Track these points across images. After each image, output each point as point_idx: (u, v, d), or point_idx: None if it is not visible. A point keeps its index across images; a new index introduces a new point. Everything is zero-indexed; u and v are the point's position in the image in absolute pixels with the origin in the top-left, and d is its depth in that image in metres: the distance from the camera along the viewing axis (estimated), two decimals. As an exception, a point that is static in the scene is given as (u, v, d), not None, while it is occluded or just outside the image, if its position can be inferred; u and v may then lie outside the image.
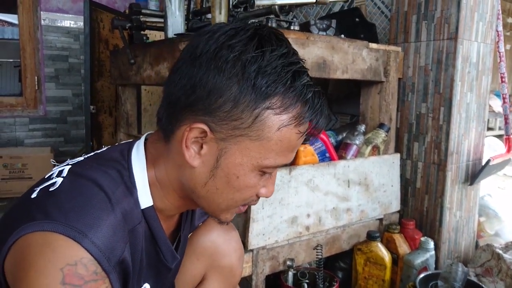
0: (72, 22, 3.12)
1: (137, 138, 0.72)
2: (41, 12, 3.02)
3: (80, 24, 3.02)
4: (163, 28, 1.44)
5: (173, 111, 0.64)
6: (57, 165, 0.67)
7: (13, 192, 2.62)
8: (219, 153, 0.62)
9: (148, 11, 1.76)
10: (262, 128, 0.60)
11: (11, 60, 8.67)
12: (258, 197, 0.70)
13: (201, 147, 0.63)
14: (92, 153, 0.70)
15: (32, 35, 3.04)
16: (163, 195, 0.68)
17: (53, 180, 0.61)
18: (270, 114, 0.60)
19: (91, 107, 2.18)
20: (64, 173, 0.62)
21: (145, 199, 0.66)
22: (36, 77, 3.08)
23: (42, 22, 3.03)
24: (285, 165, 0.73)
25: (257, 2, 1.20)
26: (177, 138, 0.63)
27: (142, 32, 1.71)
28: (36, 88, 3.10)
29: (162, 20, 1.61)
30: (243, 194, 0.66)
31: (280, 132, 0.61)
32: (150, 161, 0.68)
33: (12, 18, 9.00)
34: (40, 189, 0.60)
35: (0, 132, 3.00)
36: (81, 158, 0.68)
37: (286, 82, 0.60)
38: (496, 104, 3.75)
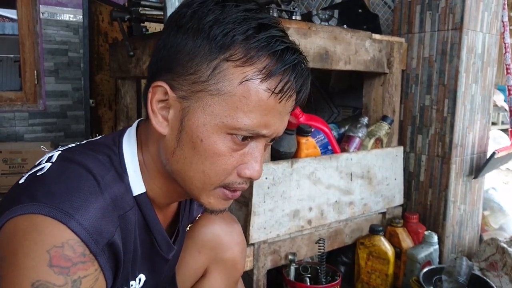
0: (71, 15, 3.09)
1: (130, 125, 0.70)
2: (40, 6, 2.99)
3: (79, 17, 2.99)
4: (163, 20, 1.42)
5: (147, 83, 0.62)
6: (49, 152, 0.65)
7: (13, 187, 2.61)
8: (182, 114, 0.59)
9: (147, 3, 1.73)
10: (221, 81, 0.56)
11: (11, 55, 8.66)
12: (244, 179, 0.62)
13: (169, 112, 0.60)
14: (84, 141, 0.68)
15: (31, 29, 3.02)
16: (151, 180, 0.66)
17: (42, 166, 0.60)
18: (230, 66, 0.56)
19: (91, 101, 2.16)
20: (54, 159, 0.61)
21: (137, 186, 0.64)
22: (35, 72, 3.06)
23: (41, 15, 3.00)
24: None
25: (258, -9, 1.18)
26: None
27: (141, 24, 1.68)
28: (36, 82, 3.08)
29: (161, 12, 1.59)
30: (213, 165, 0.59)
31: (243, 87, 0.56)
32: (140, 146, 0.66)
33: (11, 13, 8.98)
34: (29, 174, 0.59)
35: (0, 127, 2.99)
36: (72, 145, 0.67)
37: (246, 31, 0.55)
38: (499, 99, 3.72)
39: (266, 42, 0.55)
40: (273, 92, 0.56)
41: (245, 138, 0.59)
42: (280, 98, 0.57)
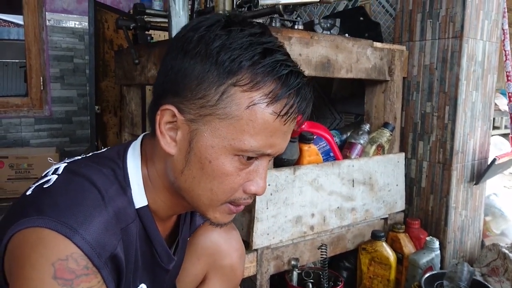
0: (77, 22, 3.13)
1: (135, 137, 0.72)
2: (46, 13, 3.03)
3: (85, 24, 3.03)
4: (167, 28, 1.44)
5: (154, 102, 0.64)
6: (55, 163, 0.68)
7: (19, 192, 2.62)
8: (191, 136, 0.61)
9: (152, 11, 1.76)
10: (229, 106, 0.58)
11: (16, 60, 8.73)
12: (250, 195, 0.65)
13: (177, 133, 0.62)
14: (90, 153, 0.70)
15: (37, 36, 3.06)
16: (155, 194, 0.68)
17: (48, 178, 0.62)
18: (237, 91, 0.57)
19: (96, 107, 2.19)
20: (60, 171, 0.63)
21: (139, 199, 0.66)
22: (41, 78, 3.10)
23: (47, 22, 3.04)
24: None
25: (261, 2, 1.20)
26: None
27: (146, 32, 1.71)
28: (42, 88, 3.11)
29: (166, 20, 1.61)
30: (221, 184, 0.62)
31: (250, 111, 0.58)
32: (144, 160, 0.68)
33: (17, 19, 9.06)
34: (35, 186, 0.61)
35: (6, 132, 3.02)
36: (78, 157, 0.69)
37: (253, 57, 0.57)
38: (502, 103, 3.72)
39: (272, 67, 0.58)
40: (278, 115, 0.59)
41: (250, 158, 0.62)
42: (285, 121, 0.60)
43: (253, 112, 0.58)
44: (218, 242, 0.90)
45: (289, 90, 0.58)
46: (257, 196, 1.20)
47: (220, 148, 0.60)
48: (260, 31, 0.60)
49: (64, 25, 3.09)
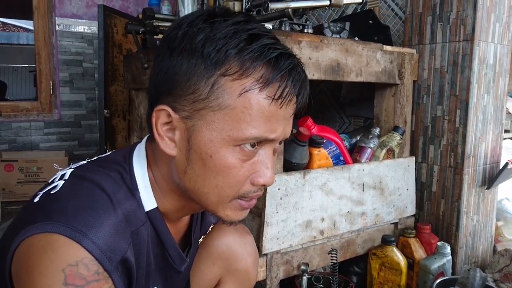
0: (86, 27, 3.15)
1: (140, 140, 0.72)
2: (56, 18, 3.06)
3: (94, 29, 3.05)
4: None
5: (149, 107, 0.63)
6: (61, 169, 0.67)
7: (29, 196, 2.65)
8: (188, 133, 0.60)
9: (161, 16, 1.77)
10: (221, 96, 0.57)
11: (26, 65, 8.83)
12: (259, 187, 0.63)
13: (175, 133, 0.61)
14: (95, 157, 0.70)
15: (47, 41, 3.08)
16: (162, 196, 0.67)
17: (55, 184, 0.61)
18: (227, 80, 0.56)
19: (105, 111, 2.20)
20: (66, 176, 0.63)
21: (148, 201, 0.65)
22: (51, 82, 3.12)
23: (57, 27, 3.07)
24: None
25: (271, 6, 1.20)
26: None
27: (155, 37, 1.72)
28: (51, 92, 3.14)
29: (175, 24, 1.62)
30: (226, 179, 0.60)
31: (243, 98, 0.57)
32: (149, 164, 0.67)
33: (27, 24, 9.16)
34: (43, 192, 0.61)
35: (15, 136, 3.05)
36: (84, 162, 0.68)
37: (238, 44, 0.56)
38: (513, 106, 3.68)
39: (259, 51, 0.56)
40: (273, 98, 0.57)
41: (253, 145, 0.60)
42: (280, 104, 0.58)
43: (247, 99, 0.57)
44: (233, 247, 0.90)
45: (280, 72, 0.57)
46: (267, 201, 1.19)
47: (219, 141, 0.58)
48: (244, 19, 0.59)
49: (73, 30, 3.12)
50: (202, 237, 0.87)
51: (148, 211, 0.65)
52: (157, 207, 0.67)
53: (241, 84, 0.56)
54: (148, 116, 0.63)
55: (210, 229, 0.90)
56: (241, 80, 0.56)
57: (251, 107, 0.57)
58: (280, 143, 0.65)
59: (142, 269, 0.65)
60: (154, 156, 0.67)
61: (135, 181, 0.65)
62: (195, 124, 0.59)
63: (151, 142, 0.68)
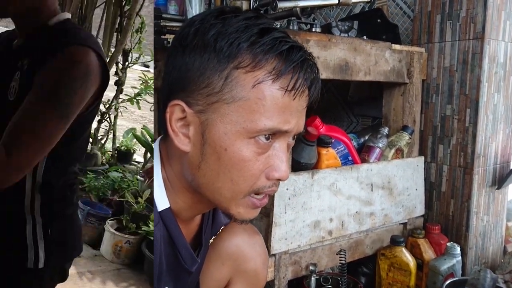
0: (94, 27, 3.17)
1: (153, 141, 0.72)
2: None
3: (101, 29, 3.07)
4: (184, 32, 1.45)
5: (163, 105, 0.64)
6: None
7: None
8: (203, 128, 0.60)
9: (168, 16, 1.77)
10: (235, 88, 0.58)
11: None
12: (274, 182, 0.63)
13: (189, 129, 0.61)
14: None
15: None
16: (175, 195, 0.67)
17: None
18: (240, 73, 0.57)
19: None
20: None
21: (161, 201, 0.66)
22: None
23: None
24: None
25: (279, 5, 1.20)
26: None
27: (162, 37, 1.72)
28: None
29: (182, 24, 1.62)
30: (241, 172, 0.60)
31: (257, 90, 0.57)
32: (162, 162, 0.68)
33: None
34: None
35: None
36: None
37: (250, 38, 0.57)
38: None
39: (271, 44, 0.57)
40: (286, 90, 0.58)
41: (268, 138, 0.60)
42: (294, 95, 0.59)
43: (260, 90, 0.57)
44: (243, 247, 0.89)
45: (292, 64, 0.58)
46: (275, 201, 1.19)
47: (233, 133, 0.59)
48: (254, 15, 0.60)
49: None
50: (213, 237, 0.87)
51: (160, 211, 0.66)
52: (169, 207, 0.67)
53: (254, 76, 0.57)
54: (162, 113, 0.64)
55: (220, 230, 0.90)
56: (254, 72, 0.57)
57: (265, 98, 0.58)
58: (293, 138, 0.65)
59: (154, 269, 0.66)
60: (167, 154, 0.68)
61: None
62: (209, 117, 0.59)
63: (165, 141, 0.68)
